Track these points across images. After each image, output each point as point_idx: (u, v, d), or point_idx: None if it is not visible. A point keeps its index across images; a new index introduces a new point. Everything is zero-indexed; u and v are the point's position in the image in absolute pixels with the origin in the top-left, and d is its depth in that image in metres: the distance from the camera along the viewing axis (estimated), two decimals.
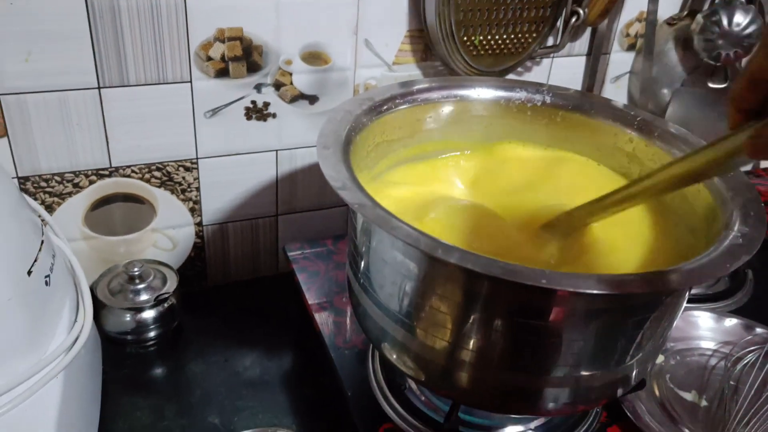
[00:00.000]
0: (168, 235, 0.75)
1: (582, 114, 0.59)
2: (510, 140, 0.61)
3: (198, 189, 0.73)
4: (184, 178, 0.72)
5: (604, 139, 0.58)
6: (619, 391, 0.49)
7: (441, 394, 0.53)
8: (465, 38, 0.71)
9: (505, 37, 0.73)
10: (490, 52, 0.74)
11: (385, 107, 0.55)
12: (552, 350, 0.43)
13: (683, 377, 0.60)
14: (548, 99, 0.60)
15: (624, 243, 0.51)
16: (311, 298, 0.67)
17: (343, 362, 0.60)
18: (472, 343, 0.44)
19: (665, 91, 0.87)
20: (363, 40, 0.71)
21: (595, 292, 0.36)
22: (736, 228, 0.42)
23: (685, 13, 0.85)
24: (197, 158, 0.71)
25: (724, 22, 0.79)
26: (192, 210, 0.75)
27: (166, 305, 0.70)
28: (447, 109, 0.59)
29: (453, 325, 0.44)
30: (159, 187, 0.72)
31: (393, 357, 0.49)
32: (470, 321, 0.43)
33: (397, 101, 0.56)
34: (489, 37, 0.73)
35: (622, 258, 0.50)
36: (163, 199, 0.73)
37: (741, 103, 0.37)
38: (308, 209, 0.80)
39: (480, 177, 0.59)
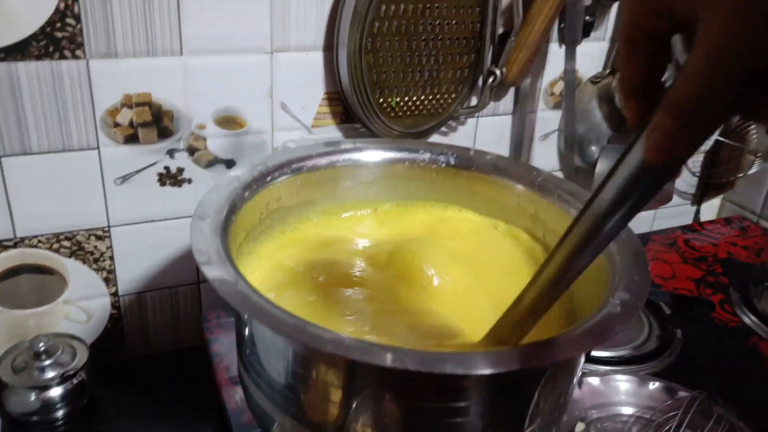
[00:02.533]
0: (81, 306, 0.72)
1: (486, 174, 0.58)
2: (410, 200, 0.60)
3: (112, 258, 0.71)
4: (96, 247, 0.70)
5: (507, 200, 0.57)
6: None
7: None
8: (381, 100, 0.71)
9: (423, 98, 0.73)
10: (408, 113, 0.73)
11: (278, 173, 0.53)
12: (446, 429, 0.41)
13: None
14: (451, 159, 0.59)
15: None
16: (222, 370, 0.64)
17: None
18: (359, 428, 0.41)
19: (593, 148, 0.87)
20: (279, 103, 0.71)
21: (445, 372, 0.33)
22: (616, 294, 0.40)
23: (608, 71, 0.86)
24: (109, 226, 0.69)
25: None
26: (106, 280, 0.72)
27: (74, 381, 0.66)
28: (347, 172, 0.57)
29: (334, 410, 0.41)
30: (69, 257, 0.69)
31: None
32: (344, 403, 0.41)
33: (294, 166, 0.55)
34: (406, 99, 0.72)
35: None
36: (74, 270, 0.70)
37: (629, 78, 0.31)
38: None
39: (375, 237, 0.58)
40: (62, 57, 0.60)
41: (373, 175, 0.58)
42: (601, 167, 0.87)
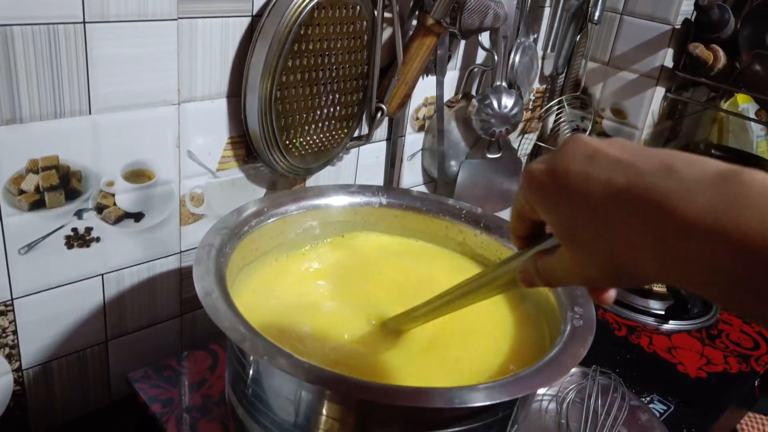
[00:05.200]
0: None
1: (416, 212, 0.65)
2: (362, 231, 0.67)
3: (15, 332, 0.66)
4: None
5: (437, 231, 0.65)
6: None
7: None
8: (287, 141, 0.74)
9: (321, 136, 0.78)
10: (309, 151, 0.78)
11: (245, 229, 0.56)
12: None
13: (528, 426, 0.69)
14: (383, 200, 0.65)
15: (492, 330, 0.58)
16: (172, 427, 0.63)
17: None
18: None
19: (453, 162, 0.99)
20: (186, 151, 0.71)
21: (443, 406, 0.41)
22: (573, 309, 0.50)
23: (460, 96, 0.98)
24: (12, 299, 0.64)
25: (495, 105, 0.93)
26: (9, 356, 0.66)
27: None
28: (298, 220, 0.61)
29: None
30: None
31: None
32: None
33: (252, 223, 0.57)
34: (308, 138, 0.77)
35: (492, 346, 0.56)
36: None
37: (515, 231, 0.41)
38: (140, 328, 0.76)
39: (336, 271, 0.63)
40: None
41: (324, 219, 0.63)
42: (462, 179, 0.99)
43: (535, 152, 1.21)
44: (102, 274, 0.70)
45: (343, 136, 0.81)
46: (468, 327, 0.57)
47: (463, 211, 0.65)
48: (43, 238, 0.64)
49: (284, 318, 0.55)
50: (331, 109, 0.77)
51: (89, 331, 0.72)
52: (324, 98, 0.76)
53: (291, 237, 0.62)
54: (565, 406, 0.71)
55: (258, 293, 0.57)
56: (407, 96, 0.85)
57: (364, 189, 0.66)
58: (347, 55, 0.75)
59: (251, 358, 0.47)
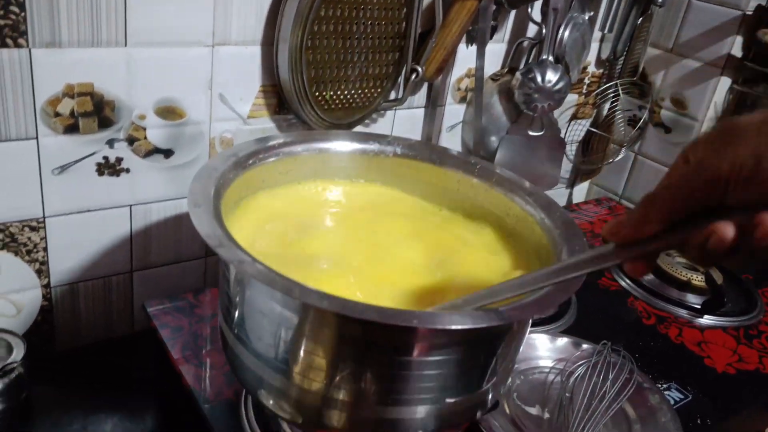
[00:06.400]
0: (11, 299, 0.70)
1: (429, 163, 0.65)
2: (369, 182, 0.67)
3: (45, 249, 0.70)
4: (29, 238, 0.68)
5: (448, 184, 0.65)
6: (479, 413, 0.54)
7: None
8: (317, 93, 0.76)
9: (353, 92, 0.79)
10: (340, 106, 0.79)
11: (250, 161, 0.57)
12: (420, 383, 0.48)
13: (528, 394, 0.67)
14: (398, 150, 0.66)
15: (488, 275, 0.57)
16: (177, 354, 0.66)
17: (214, 416, 0.60)
18: (346, 382, 0.47)
19: (493, 138, 0.98)
20: (218, 94, 0.73)
21: (453, 327, 0.40)
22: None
23: (506, 70, 0.97)
24: (44, 217, 0.68)
25: (539, 79, 0.91)
26: (39, 271, 0.71)
27: (12, 376, 0.65)
28: (309, 160, 0.62)
29: (327, 367, 0.47)
30: (1, 249, 0.67)
31: (270, 403, 0.51)
32: (344, 362, 0.46)
33: (261, 156, 0.59)
34: (339, 93, 0.78)
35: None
36: (5, 262, 0.68)
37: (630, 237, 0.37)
38: (164, 263, 0.79)
39: (339, 213, 0.64)
40: (4, 45, 0.59)
41: (335, 163, 0.64)
42: (501, 155, 0.98)
43: (588, 139, 1.17)
44: (130, 206, 0.73)
45: (375, 95, 0.82)
46: (464, 272, 0.57)
47: (477, 166, 0.64)
48: (75, 162, 0.68)
49: (273, 243, 0.56)
50: (365, 66, 0.78)
51: (115, 259, 0.75)
52: (357, 54, 0.77)
53: (298, 176, 0.63)
54: (572, 380, 0.69)
55: (253, 221, 0.58)
56: (445, 61, 0.84)
57: (379, 138, 0.66)
58: (384, 12, 0.76)
59: (233, 271, 0.48)
